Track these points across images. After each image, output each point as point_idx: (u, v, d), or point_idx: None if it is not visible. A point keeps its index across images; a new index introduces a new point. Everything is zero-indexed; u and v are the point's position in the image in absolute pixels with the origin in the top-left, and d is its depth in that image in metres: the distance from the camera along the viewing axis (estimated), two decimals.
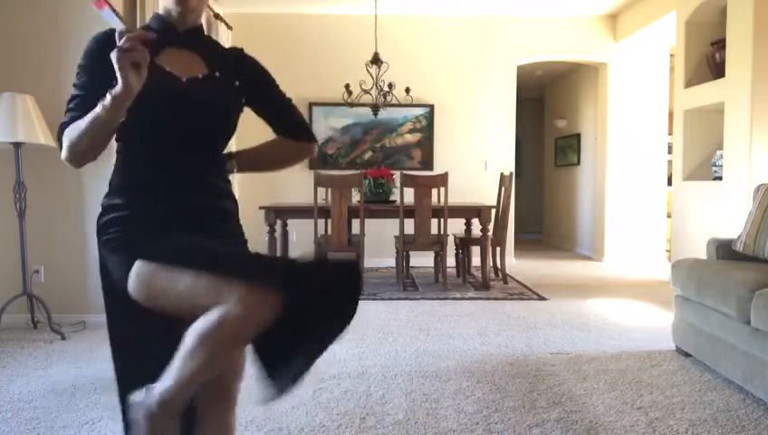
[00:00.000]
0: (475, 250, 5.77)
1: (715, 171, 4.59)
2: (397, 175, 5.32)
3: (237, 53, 1.46)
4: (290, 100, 1.55)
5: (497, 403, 2.44)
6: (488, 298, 4.68)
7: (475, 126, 6.63)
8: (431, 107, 6.57)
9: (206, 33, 1.44)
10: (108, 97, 1.13)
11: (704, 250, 3.33)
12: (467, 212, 5.22)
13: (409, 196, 5.07)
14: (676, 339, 3.13)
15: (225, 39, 5.87)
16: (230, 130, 1.41)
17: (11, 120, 3.31)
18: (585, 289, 5.09)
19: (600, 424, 2.23)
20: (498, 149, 6.61)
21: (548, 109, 9.53)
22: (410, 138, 6.60)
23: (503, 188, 5.46)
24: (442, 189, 4.89)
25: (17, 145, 3.40)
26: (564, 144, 8.49)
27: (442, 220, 4.98)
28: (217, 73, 1.36)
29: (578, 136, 7.93)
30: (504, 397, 2.51)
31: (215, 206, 1.37)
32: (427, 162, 6.58)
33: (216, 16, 5.70)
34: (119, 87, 1.11)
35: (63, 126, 1.29)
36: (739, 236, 3.02)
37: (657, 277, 5.71)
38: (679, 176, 5.02)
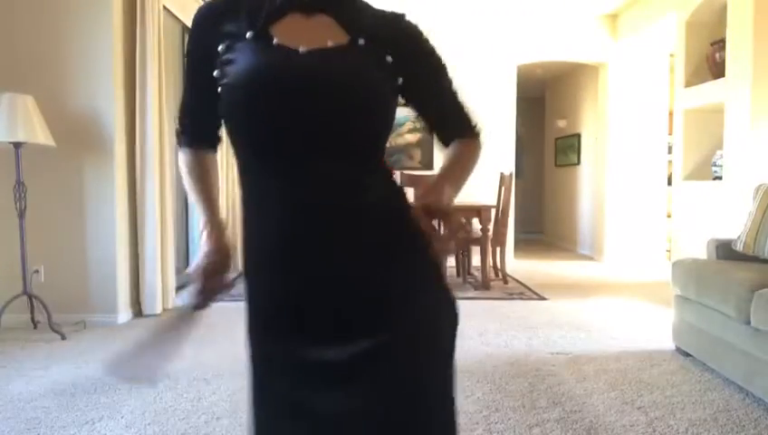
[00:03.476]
0: (475, 250, 5.77)
1: (715, 171, 4.59)
2: (397, 175, 5.30)
3: (394, 18, 1.01)
4: (455, 93, 1.10)
5: (497, 403, 2.44)
6: (488, 298, 4.68)
7: None
8: None
9: None
10: (201, 224, 1.04)
11: (704, 250, 3.33)
12: (467, 212, 5.22)
13: (409, 196, 5.06)
14: (676, 339, 3.13)
15: None
16: (383, 123, 0.96)
17: (11, 120, 3.30)
18: (585, 289, 5.09)
19: (600, 424, 2.23)
20: (498, 149, 6.61)
21: (548, 109, 9.53)
22: (410, 138, 6.60)
23: (503, 188, 5.46)
24: None
25: (17, 145, 3.40)
26: (564, 144, 8.49)
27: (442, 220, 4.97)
28: (361, 41, 0.92)
29: (578, 136, 7.93)
30: (504, 397, 2.51)
31: (364, 275, 0.92)
32: (428, 162, 6.58)
33: None
34: (200, 257, 1.01)
35: (179, 137, 1.07)
36: (739, 236, 3.02)
37: (657, 277, 5.70)
38: (679, 176, 5.02)
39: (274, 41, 0.90)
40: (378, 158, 0.99)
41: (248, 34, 0.90)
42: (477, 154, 1.14)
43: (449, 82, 1.09)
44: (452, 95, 1.10)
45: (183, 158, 1.08)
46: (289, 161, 0.89)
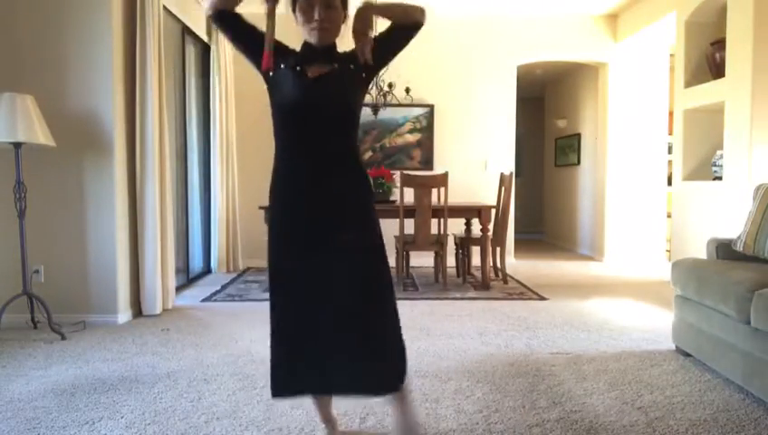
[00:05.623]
0: (475, 250, 5.77)
1: (715, 171, 4.59)
2: (397, 175, 5.32)
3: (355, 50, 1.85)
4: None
5: (497, 403, 2.44)
6: (488, 298, 4.68)
7: (475, 126, 6.63)
8: (431, 107, 6.57)
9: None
10: None
11: (704, 250, 3.33)
12: (467, 212, 5.22)
13: (409, 196, 5.07)
14: (676, 339, 3.13)
15: (225, 39, 5.87)
16: (352, 107, 1.83)
17: (11, 120, 3.30)
18: (585, 289, 5.09)
19: (600, 424, 2.23)
20: (498, 149, 6.61)
21: (548, 109, 9.53)
22: (410, 138, 6.60)
23: (503, 188, 5.46)
24: (442, 189, 4.89)
25: (17, 145, 3.40)
26: (564, 144, 8.49)
27: (442, 220, 4.98)
28: (336, 65, 1.81)
29: (578, 136, 7.93)
30: (504, 397, 2.51)
31: (343, 191, 1.81)
32: (427, 162, 6.58)
33: None
34: None
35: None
36: (739, 236, 3.02)
37: (657, 277, 5.71)
38: (679, 176, 5.02)
39: (309, 74, 1.80)
40: (354, 135, 1.88)
41: (297, 68, 1.81)
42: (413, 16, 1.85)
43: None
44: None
45: None
46: (309, 140, 1.79)
